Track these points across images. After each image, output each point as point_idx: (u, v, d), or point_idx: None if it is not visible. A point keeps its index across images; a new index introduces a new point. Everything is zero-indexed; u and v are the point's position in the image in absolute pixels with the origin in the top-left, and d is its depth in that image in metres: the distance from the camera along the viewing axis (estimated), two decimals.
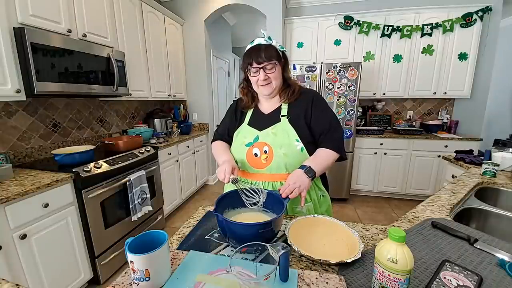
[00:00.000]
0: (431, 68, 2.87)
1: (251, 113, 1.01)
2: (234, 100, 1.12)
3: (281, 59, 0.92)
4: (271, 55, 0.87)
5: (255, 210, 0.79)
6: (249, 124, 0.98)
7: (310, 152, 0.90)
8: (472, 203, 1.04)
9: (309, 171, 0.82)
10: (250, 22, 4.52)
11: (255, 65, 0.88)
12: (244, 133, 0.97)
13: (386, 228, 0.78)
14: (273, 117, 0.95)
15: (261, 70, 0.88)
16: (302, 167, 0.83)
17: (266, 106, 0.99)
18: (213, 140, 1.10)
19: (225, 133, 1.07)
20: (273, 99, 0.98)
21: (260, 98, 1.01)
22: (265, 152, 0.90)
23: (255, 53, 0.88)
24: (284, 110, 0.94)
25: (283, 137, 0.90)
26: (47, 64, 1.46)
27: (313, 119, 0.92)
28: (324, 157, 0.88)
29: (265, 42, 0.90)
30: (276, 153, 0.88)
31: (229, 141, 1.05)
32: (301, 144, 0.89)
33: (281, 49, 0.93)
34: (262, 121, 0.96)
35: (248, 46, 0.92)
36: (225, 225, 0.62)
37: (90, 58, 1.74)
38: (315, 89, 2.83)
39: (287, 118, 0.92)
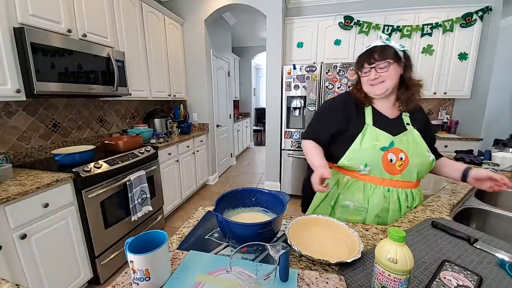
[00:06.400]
0: (431, 68, 2.87)
1: (371, 113, 0.94)
2: (339, 98, 1.02)
3: (401, 59, 0.87)
4: (386, 55, 0.85)
5: (255, 210, 0.79)
6: (374, 125, 0.92)
7: None
8: (472, 203, 1.04)
9: None
10: (250, 22, 4.52)
11: (366, 65, 0.88)
12: (374, 135, 0.89)
13: (386, 228, 0.78)
14: (398, 123, 0.93)
15: (372, 70, 0.87)
16: (468, 168, 0.91)
17: (382, 107, 0.95)
18: (305, 137, 1.01)
19: (324, 133, 0.98)
20: (387, 100, 0.94)
21: (372, 98, 0.96)
22: (401, 159, 0.87)
23: (368, 55, 0.88)
24: (407, 118, 0.94)
25: (416, 146, 0.89)
26: (47, 64, 1.46)
27: (429, 133, 0.96)
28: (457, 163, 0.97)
29: (381, 44, 0.89)
30: (412, 161, 0.87)
31: (325, 141, 0.98)
32: (432, 156, 0.91)
33: (401, 49, 0.88)
34: (389, 126, 0.91)
35: (364, 49, 0.92)
36: (225, 225, 0.62)
37: (90, 58, 1.74)
38: (315, 89, 2.84)
39: (414, 128, 0.92)
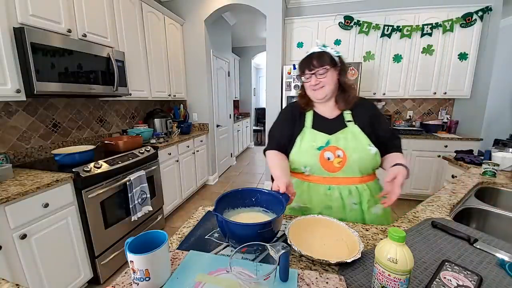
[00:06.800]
0: (431, 68, 2.87)
1: (312, 117, 0.99)
2: (287, 106, 1.10)
3: (337, 64, 0.92)
4: (323, 61, 0.90)
5: (255, 210, 0.79)
6: (313, 127, 0.97)
7: None
8: (472, 203, 1.04)
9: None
10: (250, 22, 4.52)
11: (306, 71, 0.93)
12: (311, 136, 0.94)
13: (386, 228, 0.78)
14: (338, 122, 0.95)
15: (313, 76, 0.92)
16: (397, 165, 0.81)
17: (323, 110, 0.99)
18: (268, 149, 1.03)
19: (283, 139, 1.01)
20: (328, 103, 0.98)
21: (314, 102, 1.01)
22: (339, 156, 0.89)
23: (307, 61, 0.92)
24: (348, 116, 0.95)
25: (355, 142, 0.90)
26: (47, 64, 1.46)
27: (377, 126, 0.95)
28: (402, 159, 0.88)
29: (318, 50, 0.93)
30: (350, 157, 0.88)
31: (287, 147, 1.00)
32: (375, 149, 0.90)
33: (337, 55, 0.93)
34: (328, 126, 0.95)
35: (304, 56, 0.95)
36: (224, 225, 0.62)
37: (90, 58, 1.74)
38: None
39: (355, 123, 0.94)
